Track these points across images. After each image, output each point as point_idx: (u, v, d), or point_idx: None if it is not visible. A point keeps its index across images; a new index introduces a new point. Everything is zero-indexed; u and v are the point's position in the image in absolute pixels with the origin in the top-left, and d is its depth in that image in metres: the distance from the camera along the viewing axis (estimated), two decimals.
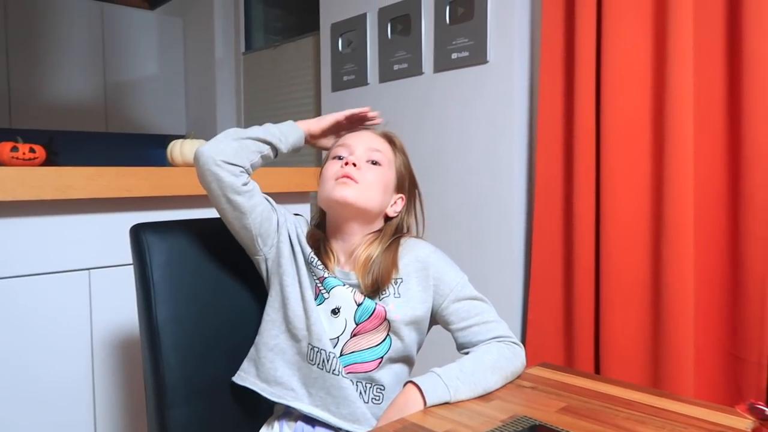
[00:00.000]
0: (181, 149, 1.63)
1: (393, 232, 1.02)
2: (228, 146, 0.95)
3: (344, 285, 0.97)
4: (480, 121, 1.94)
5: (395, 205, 1.04)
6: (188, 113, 4.01)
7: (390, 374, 0.97)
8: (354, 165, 0.97)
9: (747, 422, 0.71)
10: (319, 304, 0.97)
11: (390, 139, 1.06)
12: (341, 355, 0.95)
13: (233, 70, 3.58)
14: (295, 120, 1.06)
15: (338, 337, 0.95)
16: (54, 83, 3.54)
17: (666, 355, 1.44)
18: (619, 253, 1.54)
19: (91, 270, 1.39)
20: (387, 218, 1.05)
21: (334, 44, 2.51)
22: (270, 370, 0.97)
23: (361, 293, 0.96)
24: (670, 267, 1.43)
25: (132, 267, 1.01)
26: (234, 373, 1.02)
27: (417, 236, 1.07)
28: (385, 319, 0.95)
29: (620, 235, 1.54)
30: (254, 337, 1.02)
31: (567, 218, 1.69)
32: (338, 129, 1.09)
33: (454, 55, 2.00)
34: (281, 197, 1.16)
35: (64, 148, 3.38)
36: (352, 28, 2.41)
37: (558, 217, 1.71)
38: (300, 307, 0.97)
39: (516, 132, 1.84)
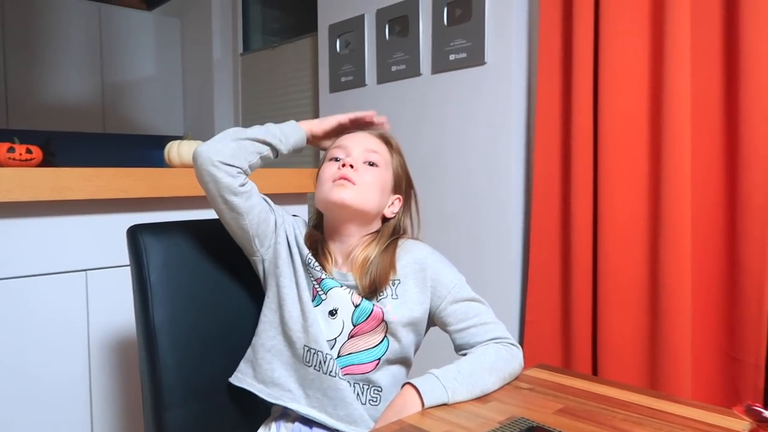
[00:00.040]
0: (178, 150, 1.62)
1: (390, 233, 1.02)
2: (226, 147, 0.94)
3: (342, 286, 0.97)
4: (478, 122, 1.94)
5: (392, 206, 1.04)
6: (186, 114, 4.01)
7: (387, 376, 0.97)
8: (351, 166, 0.97)
9: (744, 424, 0.71)
10: (317, 306, 0.97)
11: (386, 140, 1.05)
12: (339, 357, 0.95)
13: (231, 71, 3.58)
14: (297, 120, 1.05)
15: (336, 339, 0.95)
16: (51, 84, 3.53)
17: (663, 357, 1.45)
18: (617, 254, 1.54)
19: (88, 271, 1.39)
20: (384, 219, 1.04)
21: (332, 45, 2.51)
22: (267, 371, 0.97)
23: (359, 294, 0.96)
24: (668, 268, 1.44)
25: (129, 268, 1.01)
26: (231, 374, 1.01)
27: (414, 237, 1.07)
28: (383, 320, 0.95)
29: (618, 235, 1.54)
30: (251, 339, 1.02)
31: (565, 219, 1.69)
32: (341, 131, 1.08)
33: (451, 57, 2.00)
34: (278, 198, 1.16)
35: (61, 148, 3.39)
36: (350, 29, 2.41)
37: (556, 218, 1.71)
38: (297, 308, 0.97)
39: (514, 133, 1.84)
